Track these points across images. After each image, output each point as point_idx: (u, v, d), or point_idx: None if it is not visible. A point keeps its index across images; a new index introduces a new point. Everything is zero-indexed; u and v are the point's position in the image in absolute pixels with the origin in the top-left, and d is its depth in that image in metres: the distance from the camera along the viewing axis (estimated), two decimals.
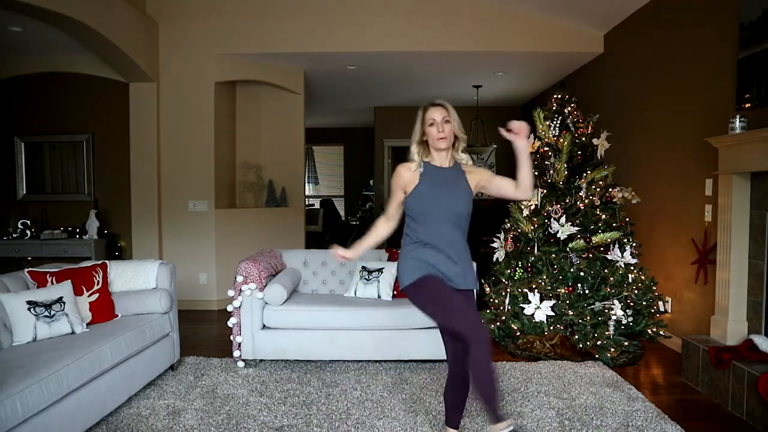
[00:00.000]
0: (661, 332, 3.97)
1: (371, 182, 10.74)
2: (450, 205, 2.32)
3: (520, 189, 2.29)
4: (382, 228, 2.51)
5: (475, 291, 2.45)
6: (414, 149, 2.39)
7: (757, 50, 3.29)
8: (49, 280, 3.27)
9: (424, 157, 2.39)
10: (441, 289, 2.28)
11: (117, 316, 3.46)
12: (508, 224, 4.41)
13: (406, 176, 2.38)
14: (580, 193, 4.21)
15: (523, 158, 2.23)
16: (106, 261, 3.68)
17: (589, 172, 4.22)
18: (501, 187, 2.36)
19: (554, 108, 4.42)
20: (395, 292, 4.03)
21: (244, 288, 3.73)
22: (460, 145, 2.40)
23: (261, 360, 3.91)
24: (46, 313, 2.97)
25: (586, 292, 4.00)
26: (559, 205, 4.15)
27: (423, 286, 2.30)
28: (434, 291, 2.28)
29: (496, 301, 4.20)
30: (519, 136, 2.19)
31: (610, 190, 4.24)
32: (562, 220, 4.07)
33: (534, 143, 4.38)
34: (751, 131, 3.16)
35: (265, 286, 3.77)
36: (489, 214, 7.22)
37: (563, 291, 3.93)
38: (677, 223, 4.27)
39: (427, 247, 2.32)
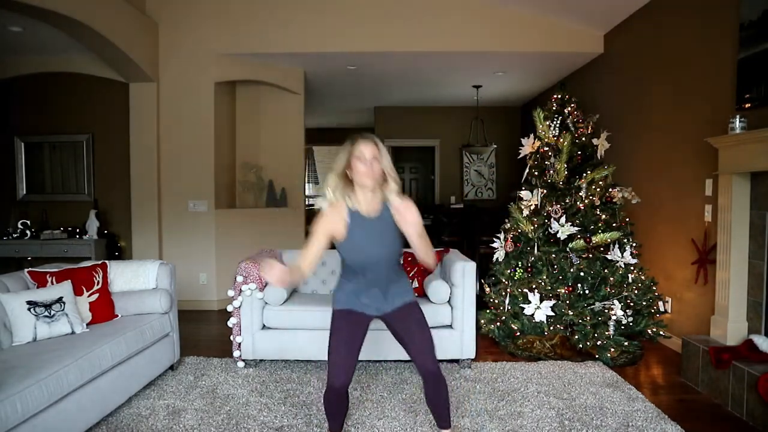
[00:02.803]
0: (661, 332, 3.97)
1: None
2: (382, 256, 2.26)
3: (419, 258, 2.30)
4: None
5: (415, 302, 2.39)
6: (332, 182, 2.20)
7: (757, 50, 3.29)
8: (49, 280, 3.27)
9: (346, 192, 2.21)
10: (343, 330, 2.36)
11: (117, 316, 3.46)
12: (508, 224, 4.40)
13: (332, 222, 2.20)
14: (580, 193, 4.21)
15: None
16: (106, 261, 3.68)
17: (589, 172, 4.22)
18: (410, 240, 2.24)
19: (554, 108, 4.42)
20: None
21: (244, 288, 3.73)
22: (391, 187, 2.20)
23: (261, 360, 3.91)
24: (46, 313, 2.97)
25: (586, 292, 4.00)
26: (559, 205, 4.15)
27: (337, 319, 2.38)
28: (337, 329, 2.37)
29: (496, 301, 4.20)
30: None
31: (610, 190, 4.25)
32: (562, 220, 4.07)
33: (534, 143, 4.38)
34: (751, 131, 3.16)
35: (265, 286, 3.77)
36: (489, 214, 7.22)
37: (563, 291, 3.93)
38: (677, 223, 4.27)
39: (357, 284, 2.32)
